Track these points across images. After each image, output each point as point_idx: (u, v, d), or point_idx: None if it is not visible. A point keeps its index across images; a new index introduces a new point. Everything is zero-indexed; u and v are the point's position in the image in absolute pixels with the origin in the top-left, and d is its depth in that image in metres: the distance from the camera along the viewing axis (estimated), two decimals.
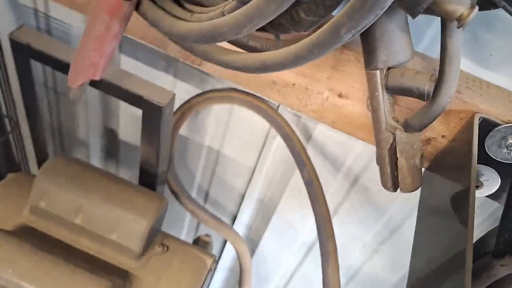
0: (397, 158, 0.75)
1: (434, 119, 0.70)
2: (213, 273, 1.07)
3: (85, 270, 0.82)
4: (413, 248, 0.87)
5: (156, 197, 0.93)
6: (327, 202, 1.21)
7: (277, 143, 1.14)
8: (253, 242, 1.48)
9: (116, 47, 0.72)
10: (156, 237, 0.97)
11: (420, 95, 0.69)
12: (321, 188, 1.05)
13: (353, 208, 1.19)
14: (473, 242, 0.76)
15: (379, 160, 0.77)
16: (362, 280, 1.38)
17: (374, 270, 1.33)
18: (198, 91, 1.10)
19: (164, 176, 1.01)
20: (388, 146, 0.74)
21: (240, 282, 1.32)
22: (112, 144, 1.40)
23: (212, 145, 1.23)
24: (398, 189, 0.78)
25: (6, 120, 1.07)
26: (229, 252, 1.55)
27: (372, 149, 0.89)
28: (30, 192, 0.91)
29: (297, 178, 1.20)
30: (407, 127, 0.73)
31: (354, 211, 1.20)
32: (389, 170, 0.76)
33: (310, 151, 1.11)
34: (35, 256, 0.81)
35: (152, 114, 0.86)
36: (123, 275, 0.89)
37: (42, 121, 1.04)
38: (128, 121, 1.30)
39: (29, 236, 0.87)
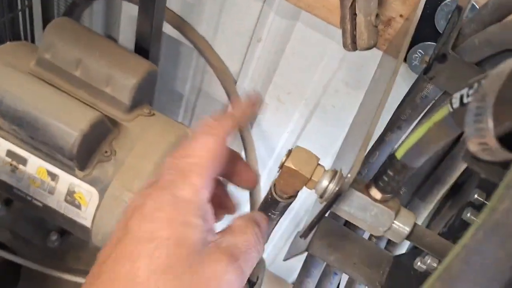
0: (356, 16, 0.87)
1: None
2: None
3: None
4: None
5: (147, 62, 1.05)
6: (302, 110, 1.33)
7: (261, 47, 1.26)
8: None
9: None
10: (144, 104, 1.08)
11: None
12: None
13: (322, 120, 1.31)
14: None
15: (342, 20, 0.89)
16: None
17: None
18: None
19: (156, 52, 1.13)
20: (350, 4, 0.86)
21: None
22: None
23: None
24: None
25: None
26: None
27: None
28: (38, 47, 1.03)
29: (276, 85, 1.32)
30: None
31: (323, 124, 1.32)
32: (349, 28, 0.88)
33: (287, 52, 1.24)
34: (37, 83, 0.93)
35: None
36: (112, 121, 1.00)
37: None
38: (128, 27, 1.42)
39: None
